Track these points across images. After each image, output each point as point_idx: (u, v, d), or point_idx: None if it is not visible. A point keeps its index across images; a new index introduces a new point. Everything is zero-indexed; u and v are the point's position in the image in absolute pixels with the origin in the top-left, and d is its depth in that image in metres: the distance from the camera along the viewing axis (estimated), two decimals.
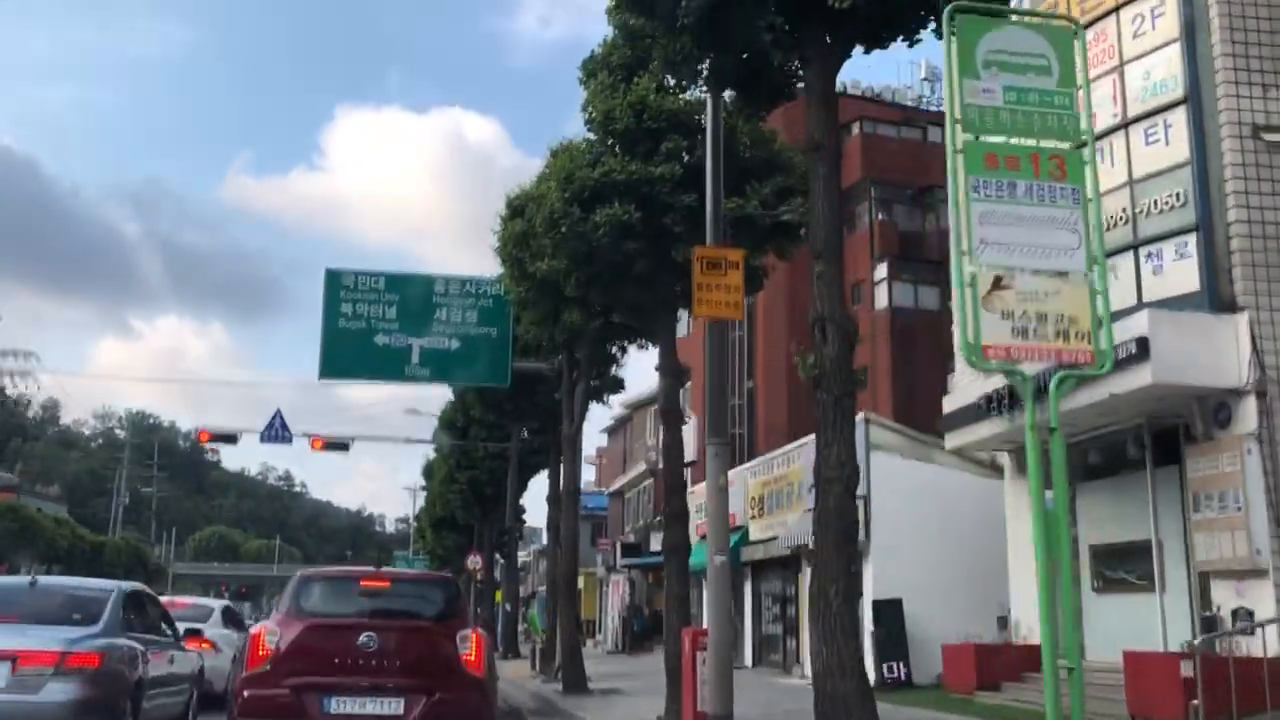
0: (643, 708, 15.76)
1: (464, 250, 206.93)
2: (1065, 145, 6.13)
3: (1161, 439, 14.12)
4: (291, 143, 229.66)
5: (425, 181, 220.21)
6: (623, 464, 51.63)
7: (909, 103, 40.25)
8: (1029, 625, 16.83)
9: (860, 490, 19.42)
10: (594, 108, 13.87)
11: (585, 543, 42.63)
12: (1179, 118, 13.19)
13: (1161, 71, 13.47)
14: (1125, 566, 15.07)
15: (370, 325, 22.33)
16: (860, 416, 20.82)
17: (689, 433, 36.94)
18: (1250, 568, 12.18)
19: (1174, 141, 13.21)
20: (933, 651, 17.97)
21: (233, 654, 11.39)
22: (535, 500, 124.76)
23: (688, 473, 38.61)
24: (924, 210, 36.02)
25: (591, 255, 13.49)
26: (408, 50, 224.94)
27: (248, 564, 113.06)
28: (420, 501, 63.50)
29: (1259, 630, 11.85)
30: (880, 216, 35.65)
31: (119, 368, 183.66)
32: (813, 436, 22.84)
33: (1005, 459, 17.79)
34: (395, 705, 8.14)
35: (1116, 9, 14.22)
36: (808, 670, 22.98)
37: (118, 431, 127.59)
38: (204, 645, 12.99)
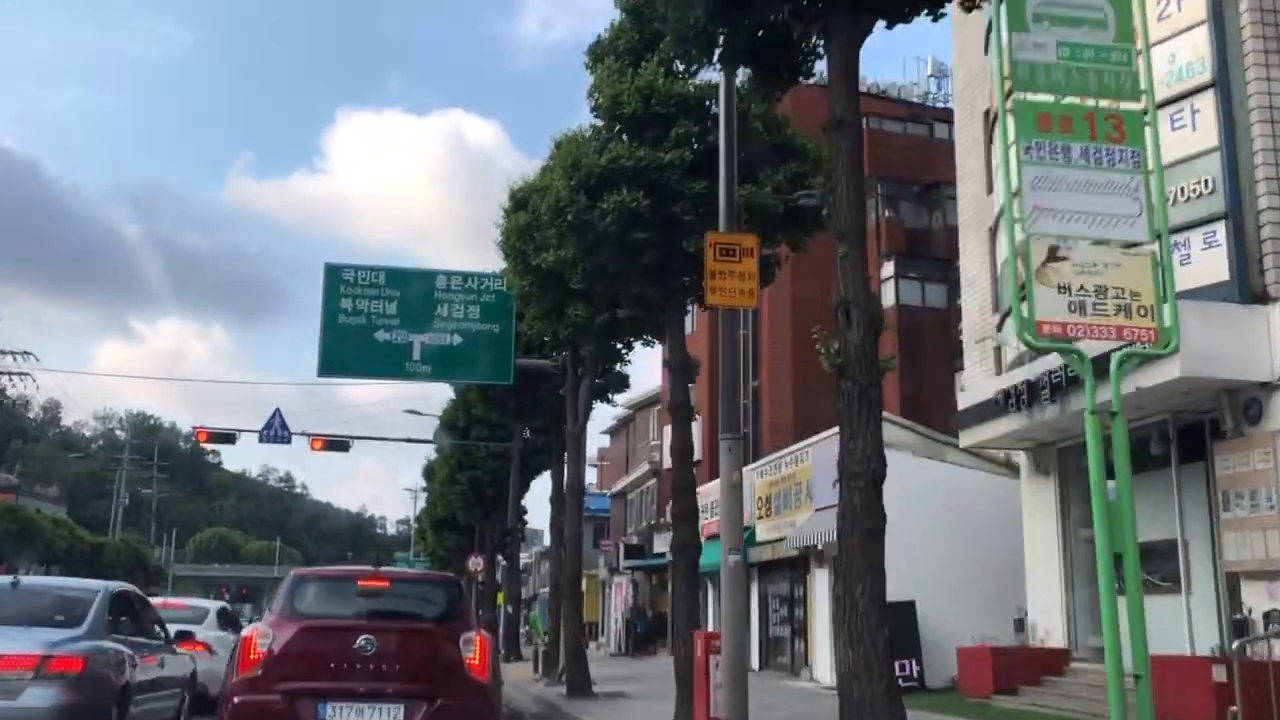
0: (650, 713, 15.33)
1: (464, 252, 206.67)
2: (1123, 105, 5.68)
3: (1187, 435, 13.67)
4: (292, 145, 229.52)
5: (426, 183, 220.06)
6: (625, 465, 51.21)
7: (915, 99, 39.86)
8: (1046, 627, 16.40)
9: None
10: (600, 93, 13.43)
11: (587, 544, 42.24)
12: (1207, 102, 12.74)
13: (1188, 55, 13.02)
14: (1147, 567, 14.56)
15: (370, 321, 21.88)
16: None
17: (694, 431, 36.57)
18: None
19: (1201, 127, 12.77)
20: (946, 654, 17.54)
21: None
22: (536, 502, 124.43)
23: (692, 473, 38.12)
24: (930, 207, 35.61)
25: (598, 245, 13.07)
26: (409, 53, 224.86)
27: (248, 565, 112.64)
28: (421, 503, 63.09)
29: None
30: (886, 213, 35.25)
31: (119, 370, 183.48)
32: (822, 435, 22.56)
33: (1021, 457, 17.35)
34: (395, 712, 7.68)
35: None
36: (816, 673, 22.64)
37: (118, 433, 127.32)
38: (198, 648, 12.55)
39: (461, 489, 37.53)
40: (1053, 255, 5.43)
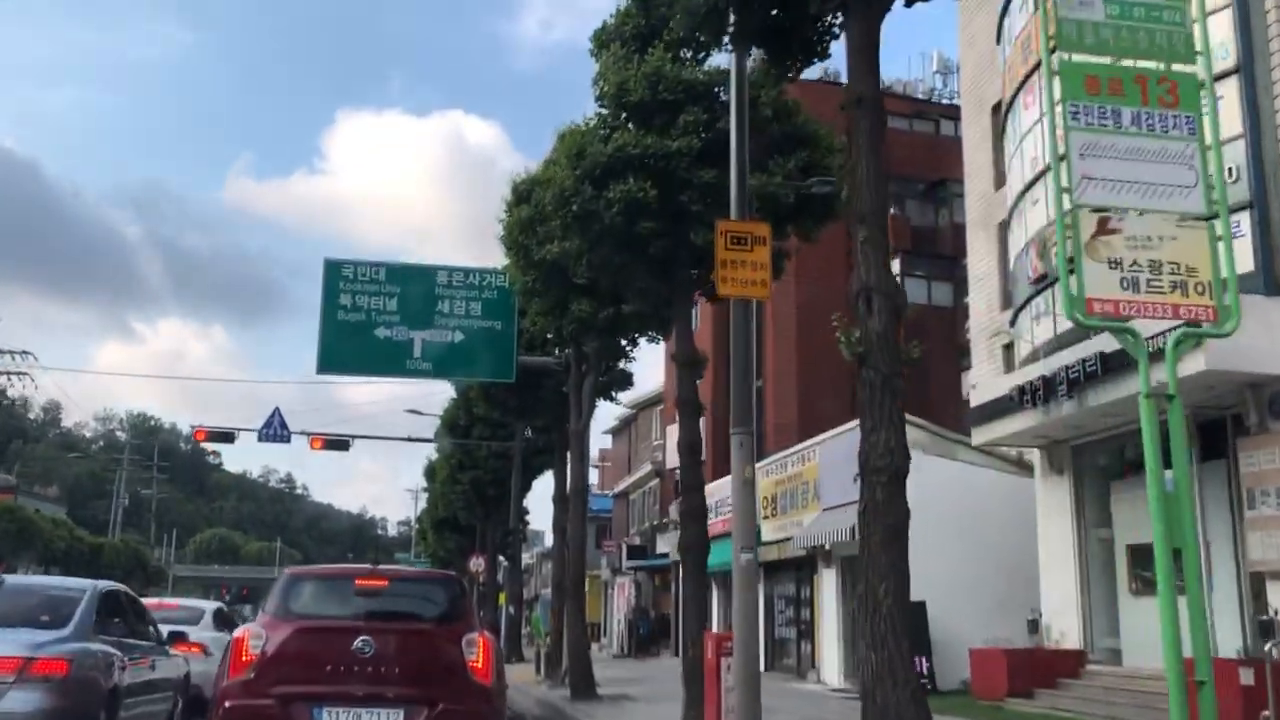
0: (656, 716, 14.98)
1: (464, 252, 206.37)
2: (1176, 68, 5.32)
3: (1207, 431, 13.31)
4: (292, 145, 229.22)
5: (426, 184, 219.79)
6: (627, 465, 50.86)
7: (920, 95, 39.55)
8: (1061, 629, 16.04)
9: None
10: (606, 80, 13.11)
11: (590, 545, 41.85)
12: (1230, 89, 12.38)
13: (1211, 40, 12.65)
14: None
15: (370, 318, 21.53)
16: None
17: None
18: None
19: (1225, 114, 12.39)
20: (957, 656, 17.16)
21: None
22: (537, 503, 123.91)
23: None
24: (937, 205, 35.29)
25: (604, 236, 12.73)
26: (409, 54, 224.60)
27: (248, 566, 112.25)
28: (422, 503, 62.72)
29: None
30: (892, 211, 34.90)
31: (120, 370, 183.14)
32: (829, 434, 22.19)
33: (1035, 455, 16.99)
34: (394, 717, 7.30)
35: None
36: (824, 675, 22.29)
37: (119, 434, 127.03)
38: (193, 649, 12.22)
39: (463, 489, 37.20)
40: (1103, 228, 5.07)
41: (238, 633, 7.77)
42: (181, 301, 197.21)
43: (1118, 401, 13.20)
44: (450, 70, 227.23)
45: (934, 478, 18.99)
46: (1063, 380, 13.82)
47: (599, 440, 56.19)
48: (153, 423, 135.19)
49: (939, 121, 37.36)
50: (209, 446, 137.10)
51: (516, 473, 30.65)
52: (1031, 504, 17.21)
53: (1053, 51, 5.40)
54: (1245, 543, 12.38)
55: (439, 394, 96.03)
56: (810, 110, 14.03)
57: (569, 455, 22.03)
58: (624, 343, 20.17)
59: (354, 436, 32.02)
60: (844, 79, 27.75)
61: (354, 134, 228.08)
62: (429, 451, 47.06)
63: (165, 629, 10.80)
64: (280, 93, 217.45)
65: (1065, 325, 14.68)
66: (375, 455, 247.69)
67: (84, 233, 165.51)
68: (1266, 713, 9.66)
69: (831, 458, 21.66)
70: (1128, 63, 5.25)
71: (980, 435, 17.06)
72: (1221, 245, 5.36)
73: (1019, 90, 16.26)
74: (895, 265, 33.83)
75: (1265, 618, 11.79)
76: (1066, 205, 5.11)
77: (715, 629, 19.29)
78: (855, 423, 21.41)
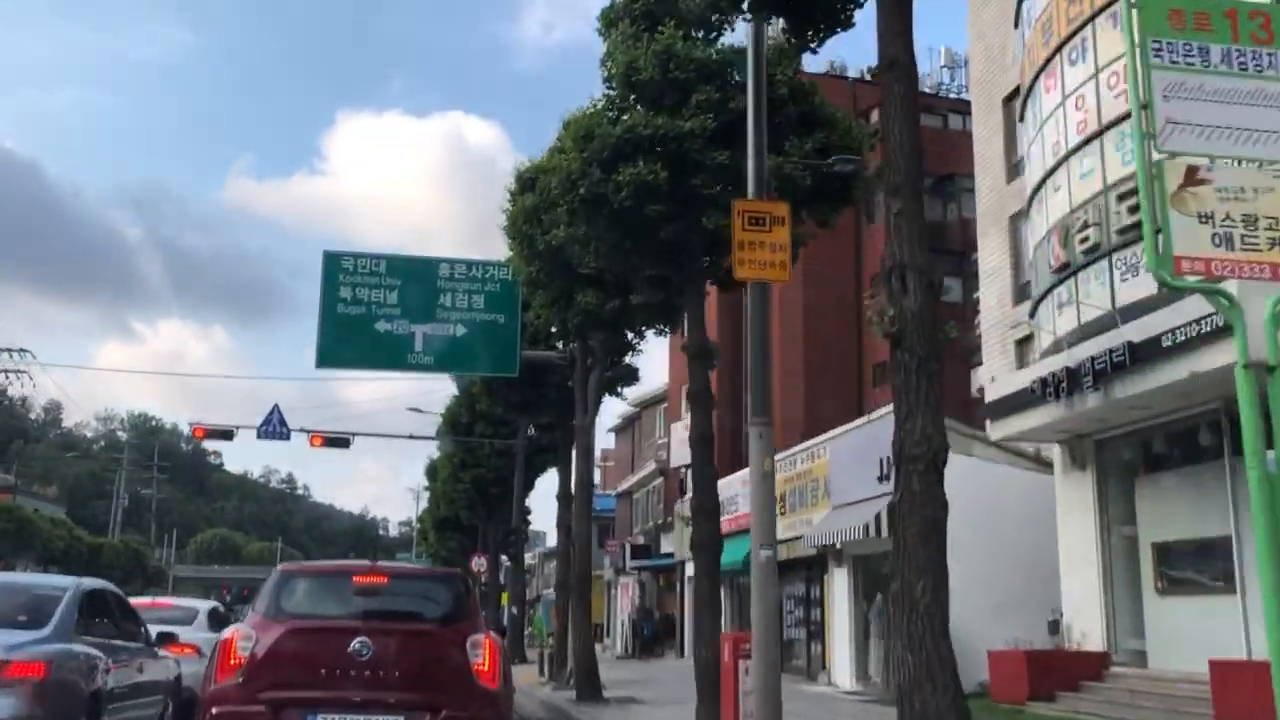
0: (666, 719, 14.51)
1: (465, 252, 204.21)
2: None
3: (1240, 425, 12.77)
4: (292, 146, 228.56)
5: (426, 185, 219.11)
6: (631, 465, 50.39)
7: (928, 89, 39.07)
8: (1083, 629, 15.54)
9: None
10: (614, 60, 12.61)
11: (592, 545, 41.39)
12: None
13: None
14: (1195, 566, 13.76)
15: (371, 311, 21.05)
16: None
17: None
18: None
19: None
20: (975, 656, 16.59)
21: None
22: (539, 503, 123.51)
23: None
24: (945, 200, 34.82)
25: (613, 221, 12.23)
26: (409, 55, 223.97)
27: (249, 566, 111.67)
28: (423, 502, 62.21)
29: None
30: None
31: (118, 366, 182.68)
32: (839, 430, 21.68)
33: (1055, 450, 16.47)
34: None
35: None
36: (834, 677, 21.79)
37: (120, 434, 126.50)
38: (185, 650, 11.71)
39: (465, 487, 36.72)
40: (1191, 178, 4.57)
41: (226, 634, 7.27)
42: (182, 302, 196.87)
43: (1146, 393, 12.72)
44: (451, 71, 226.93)
45: (949, 474, 18.53)
46: (1088, 371, 13.33)
47: (601, 439, 55.64)
48: (154, 423, 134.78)
49: (946, 116, 36.91)
50: (210, 447, 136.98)
51: (519, 470, 30.16)
52: (1050, 501, 16.71)
53: None
54: None
55: (440, 391, 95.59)
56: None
57: (574, 451, 21.53)
58: (631, 336, 19.71)
59: (354, 434, 31.54)
60: (850, 71, 27.12)
61: (354, 135, 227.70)
62: (430, 450, 46.66)
63: (155, 630, 10.33)
64: (280, 93, 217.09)
65: (1089, 315, 14.21)
66: (377, 456, 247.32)
67: (84, 233, 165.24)
68: None
69: (842, 454, 21.18)
70: None
71: (998, 430, 16.57)
72: None
73: (1039, 74, 15.77)
74: None
75: None
76: (1150, 154, 4.61)
77: (721, 630, 18.77)
78: (866, 419, 20.97)
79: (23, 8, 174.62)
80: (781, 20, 9.48)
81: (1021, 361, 22.23)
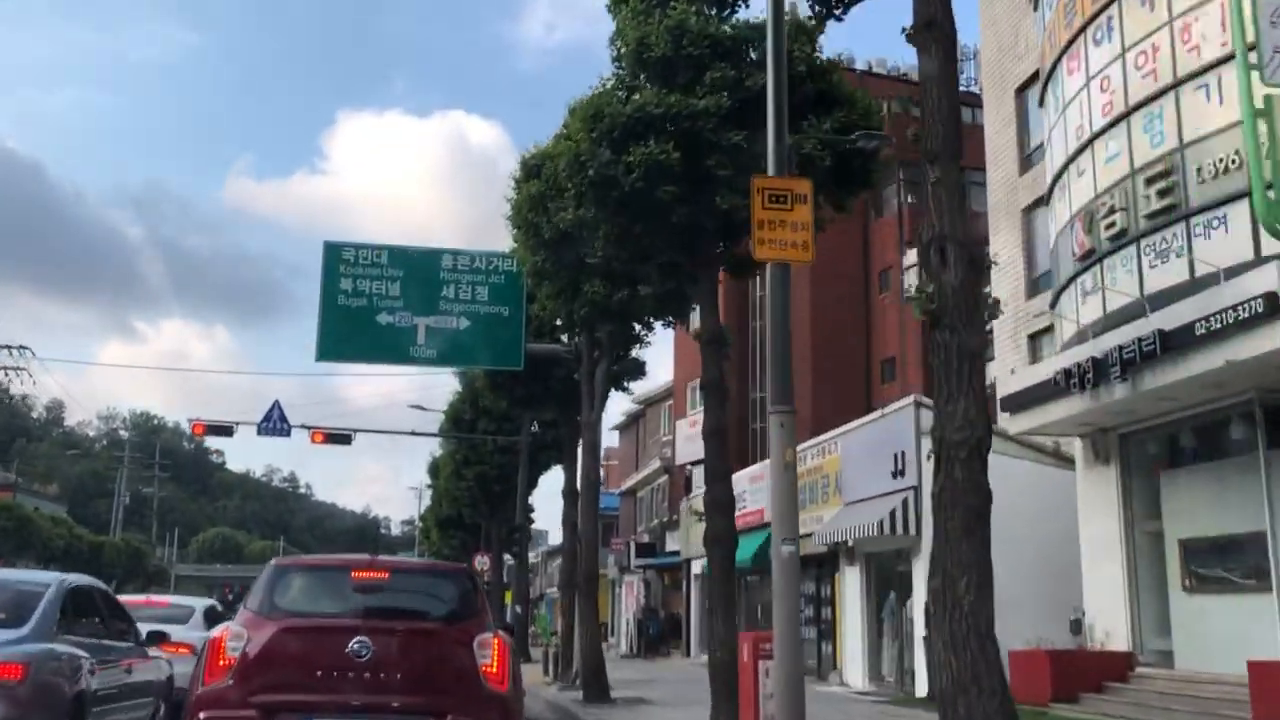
0: None
1: None
2: None
3: (1275, 416, 12.31)
4: (293, 146, 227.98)
5: (427, 184, 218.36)
6: (635, 463, 49.98)
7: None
8: (1106, 629, 15.08)
9: (911, 480, 17.84)
10: (625, 37, 12.17)
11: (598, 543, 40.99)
12: None
13: None
14: (1225, 563, 13.28)
15: (372, 303, 20.58)
16: (910, 399, 19.10)
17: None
18: None
19: None
20: None
21: None
22: (542, 501, 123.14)
23: (703, 471, 36.80)
24: None
25: (623, 203, 11.77)
26: (410, 54, 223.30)
27: (251, 565, 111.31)
28: (426, 500, 61.74)
29: None
30: (910, 200, 33.95)
31: (122, 370, 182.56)
32: (850, 425, 21.18)
33: (1077, 445, 16.00)
34: None
35: None
36: (846, 677, 21.32)
37: (122, 433, 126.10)
38: (180, 650, 11.26)
39: (467, 485, 36.26)
40: None
41: (214, 632, 6.78)
42: (184, 302, 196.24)
43: (1177, 384, 12.25)
44: (452, 71, 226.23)
45: None
46: (1115, 361, 12.85)
47: (604, 438, 55.13)
48: (155, 421, 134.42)
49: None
50: (212, 446, 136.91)
51: (523, 466, 29.70)
52: (1070, 496, 16.26)
53: None
54: None
55: (441, 388, 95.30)
56: None
57: (580, 447, 21.07)
58: (638, 328, 19.26)
59: (355, 430, 31.09)
60: (858, 65, 26.64)
61: (355, 134, 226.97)
62: (433, 447, 46.25)
63: (147, 628, 9.89)
64: (281, 93, 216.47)
65: (1116, 303, 13.73)
66: (378, 455, 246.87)
67: (85, 233, 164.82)
68: None
69: (854, 450, 20.73)
70: None
71: (1017, 424, 16.10)
72: None
73: (1061, 56, 15.29)
74: (912, 255, 32.89)
75: None
76: (1260, 90, 4.14)
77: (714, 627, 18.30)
78: (879, 413, 20.48)
79: (23, 8, 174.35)
80: None
81: (1035, 356, 21.75)
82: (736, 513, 22.53)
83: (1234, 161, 11.78)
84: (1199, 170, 12.25)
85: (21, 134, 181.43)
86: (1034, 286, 22.30)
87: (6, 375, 48.28)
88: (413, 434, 35.74)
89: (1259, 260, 11.11)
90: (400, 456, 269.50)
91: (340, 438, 30.69)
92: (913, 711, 15.46)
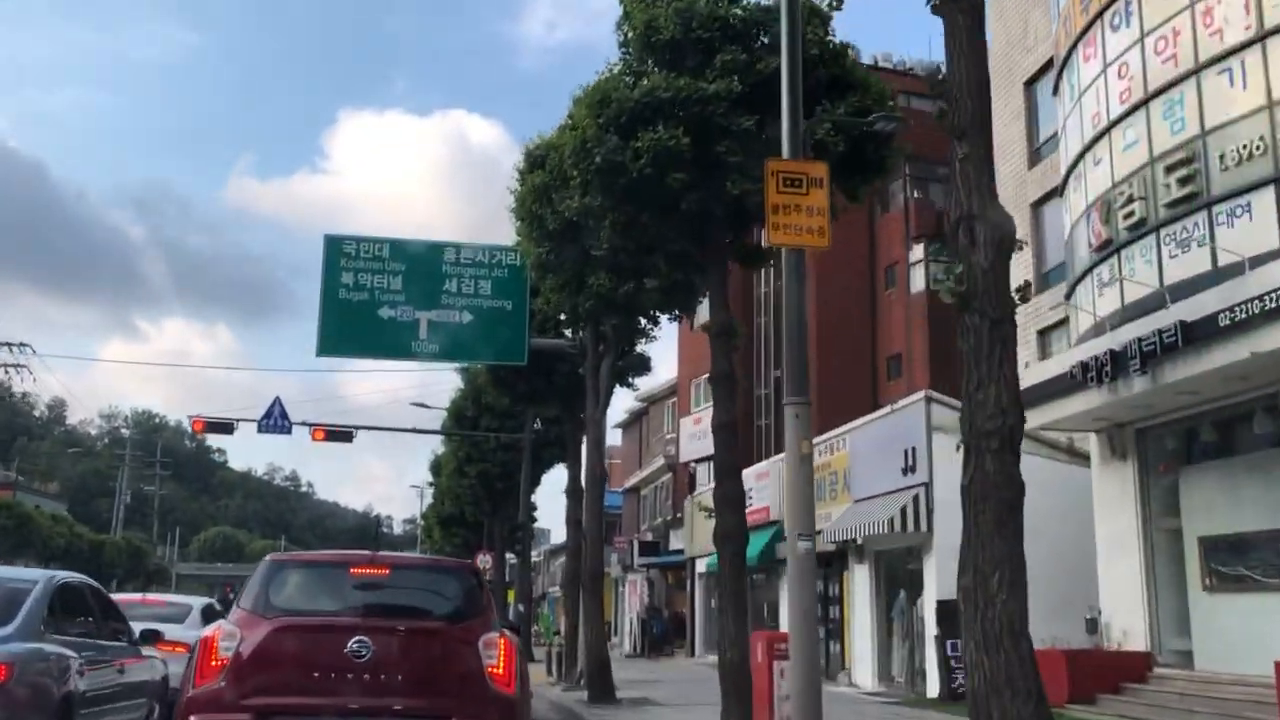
0: None
1: None
2: None
3: None
4: (295, 145, 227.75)
5: (428, 183, 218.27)
6: (638, 461, 49.69)
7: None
8: (1123, 628, 14.75)
9: (922, 477, 17.52)
10: (632, 21, 11.86)
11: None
12: None
13: None
14: (1248, 561, 12.95)
15: (373, 297, 20.23)
16: (921, 394, 18.79)
17: (709, 424, 34.94)
18: None
19: None
20: None
21: None
22: (544, 500, 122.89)
23: (709, 468, 36.41)
24: None
25: (630, 191, 11.45)
26: (411, 54, 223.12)
27: (252, 565, 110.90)
28: (428, 498, 61.48)
29: None
30: (915, 195, 33.65)
31: (124, 369, 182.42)
32: (860, 421, 20.87)
33: (1092, 441, 15.67)
34: None
35: None
36: (855, 678, 21.01)
37: (124, 432, 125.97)
38: (176, 649, 10.97)
39: (470, 482, 35.98)
40: None
41: (206, 632, 6.47)
42: (186, 301, 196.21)
43: (1198, 376, 11.92)
44: (453, 71, 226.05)
45: None
46: (1134, 354, 12.52)
47: (607, 436, 54.88)
48: (157, 420, 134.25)
49: None
50: (214, 445, 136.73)
51: (526, 463, 29.40)
52: (1084, 493, 15.93)
53: None
54: None
55: (443, 384, 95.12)
56: None
57: (584, 443, 20.76)
58: (644, 322, 18.96)
59: (356, 427, 30.78)
60: (863, 58, 26.28)
61: (356, 134, 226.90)
62: (435, 445, 45.99)
63: (140, 627, 9.60)
64: (282, 93, 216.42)
65: (1134, 294, 13.42)
66: (380, 454, 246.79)
67: (89, 233, 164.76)
68: None
69: (863, 447, 20.42)
70: None
71: (1033, 419, 15.67)
72: None
73: (1076, 43, 14.97)
74: (918, 251, 32.60)
75: None
76: None
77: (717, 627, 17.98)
78: (889, 409, 20.17)
79: (23, 8, 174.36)
80: None
81: (1044, 352, 21.46)
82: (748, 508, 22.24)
83: (1259, 148, 11.47)
84: (1221, 157, 11.94)
85: (23, 134, 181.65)
86: (1043, 281, 22.01)
87: (7, 373, 48.08)
88: (414, 431, 35.32)
89: None
90: (402, 455, 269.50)
91: (341, 435, 30.39)
92: (925, 713, 15.17)
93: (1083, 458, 16.67)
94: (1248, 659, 12.08)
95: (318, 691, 6.07)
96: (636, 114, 11.17)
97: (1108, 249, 13.86)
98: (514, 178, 17.65)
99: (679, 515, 37.28)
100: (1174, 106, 12.67)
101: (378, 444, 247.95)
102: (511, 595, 35.78)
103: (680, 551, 36.06)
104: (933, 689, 17.05)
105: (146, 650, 9.56)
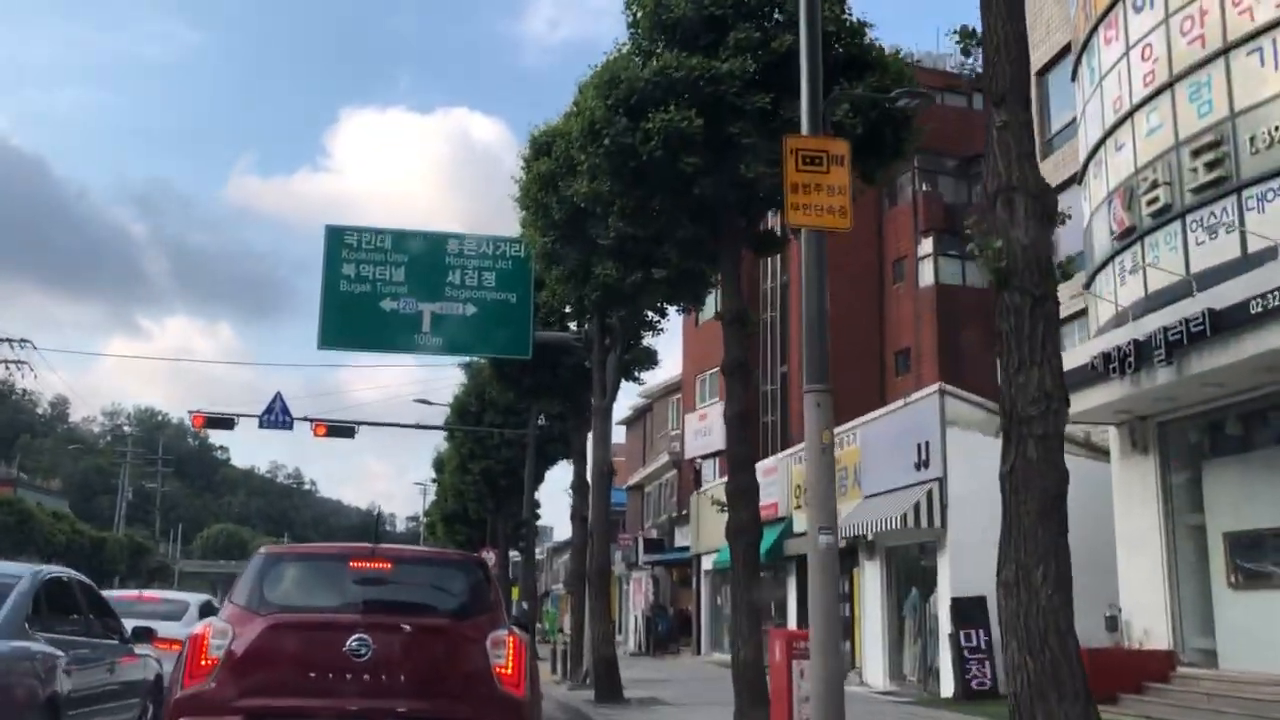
0: None
1: None
2: None
3: None
4: (296, 144, 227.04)
5: (430, 181, 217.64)
6: (642, 458, 49.35)
7: (951, 69, 37.87)
8: (1145, 626, 14.38)
9: (936, 471, 17.12)
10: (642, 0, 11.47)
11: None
12: None
13: None
14: (1275, 558, 12.58)
15: (376, 289, 19.89)
16: (934, 388, 18.41)
17: (714, 420, 34.62)
18: None
19: None
20: None
21: None
22: (544, 498, 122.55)
23: (715, 464, 35.91)
24: (970, 181, 33.70)
25: (641, 175, 11.10)
26: (413, 52, 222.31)
27: None
28: (431, 495, 61.18)
29: None
30: (924, 188, 33.27)
31: (127, 367, 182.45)
32: (870, 415, 20.48)
33: (1112, 434, 15.29)
34: None
35: None
36: (866, 677, 20.61)
37: (126, 429, 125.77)
38: (172, 647, 10.62)
39: (473, 479, 35.65)
40: None
41: (196, 630, 6.12)
42: (188, 299, 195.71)
43: (1227, 367, 11.54)
44: (455, 69, 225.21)
45: (993, 461, 17.29)
46: (1159, 344, 12.14)
47: (612, 433, 54.53)
48: (159, 418, 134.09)
49: (971, 96, 35.70)
50: (216, 442, 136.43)
51: (530, 459, 29.05)
52: (1103, 489, 15.54)
53: None
54: None
55: (446, 380, 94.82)
56: None
57: (590, 437, 20.40)
58: (651, 315, 18.60)
59: (358, 423, 30.46)
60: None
61: (358, 132, 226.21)
62: (438, 442, 45.67)
63: (135, 624, 9.27)
64: (284, 91, 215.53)
65: (1158, 282, 13.04)
66: (383, 451, 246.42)
67: (91, 232, 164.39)
68: None
69: (874, 441, 20.05)
70: None
71: None
72: None
73: (1097, 25, 14.58)
74: (927, 244, 32.22)
75: None
76: None
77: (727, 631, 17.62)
78: (901, 402, 19.77)
79: (25, 7, 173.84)
80: None
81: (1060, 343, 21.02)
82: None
83: None
84: (1252, 140, 11.56)
85: (25, 132, 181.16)
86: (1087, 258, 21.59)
87: (9, 370, 47.81)
88: (417, 426, 35.00)
89: None
90: (405, 453, 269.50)
91: (343, 430, 30.10)
92: (941, 713, 14.81)
93: (1100, 452, 16.28)
94: (1276, 658, 11.72)
95: (314, 692, 5.71)
96: (647, 94, 10.81)
97: (1130, 236, 13.48)
98: (519, 165, 17.32)
99: (684, 512, 36.93)
100: (1201, 89, 12.28)
101: (380, 442, 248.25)
102: (516, 592, 35.45)
103: (686, 548, 35.71)
104: (946, 688, 16.69)
105: (139, 649, 9.22)
